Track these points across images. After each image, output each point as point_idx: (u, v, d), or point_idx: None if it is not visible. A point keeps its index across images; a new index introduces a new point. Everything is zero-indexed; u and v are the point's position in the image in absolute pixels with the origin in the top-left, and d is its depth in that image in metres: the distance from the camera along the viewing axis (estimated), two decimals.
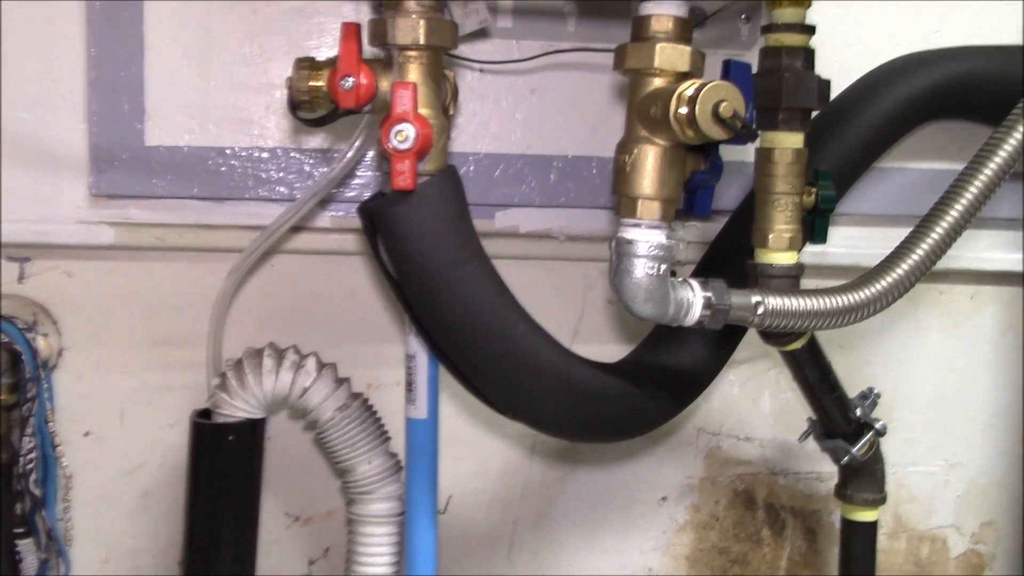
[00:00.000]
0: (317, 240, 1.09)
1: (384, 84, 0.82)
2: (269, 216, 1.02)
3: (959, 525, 1.31)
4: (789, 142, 0.88)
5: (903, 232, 0.90)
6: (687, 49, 0.79)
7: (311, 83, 0.82)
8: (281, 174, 1.06)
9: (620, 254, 0.80)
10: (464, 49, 1.04)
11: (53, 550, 1.08)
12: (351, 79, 0.80)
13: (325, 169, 1.05)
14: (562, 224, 1.11)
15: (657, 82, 0.79)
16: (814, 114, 0.91)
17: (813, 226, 0.92)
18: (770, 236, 0.89)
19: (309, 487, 1.16)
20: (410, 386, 1.00)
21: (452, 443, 1.10)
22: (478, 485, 1.20)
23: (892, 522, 1.29)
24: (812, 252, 0.92)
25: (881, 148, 1.03)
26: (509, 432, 1.19)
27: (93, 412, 1.11)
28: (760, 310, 0.83)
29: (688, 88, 0.75)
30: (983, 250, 1.20)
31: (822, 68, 0.89)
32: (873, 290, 0.88)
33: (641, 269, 0.79)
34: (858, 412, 1.07)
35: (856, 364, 1.23)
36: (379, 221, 0.83)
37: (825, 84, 0.89)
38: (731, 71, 0.81)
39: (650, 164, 0.79)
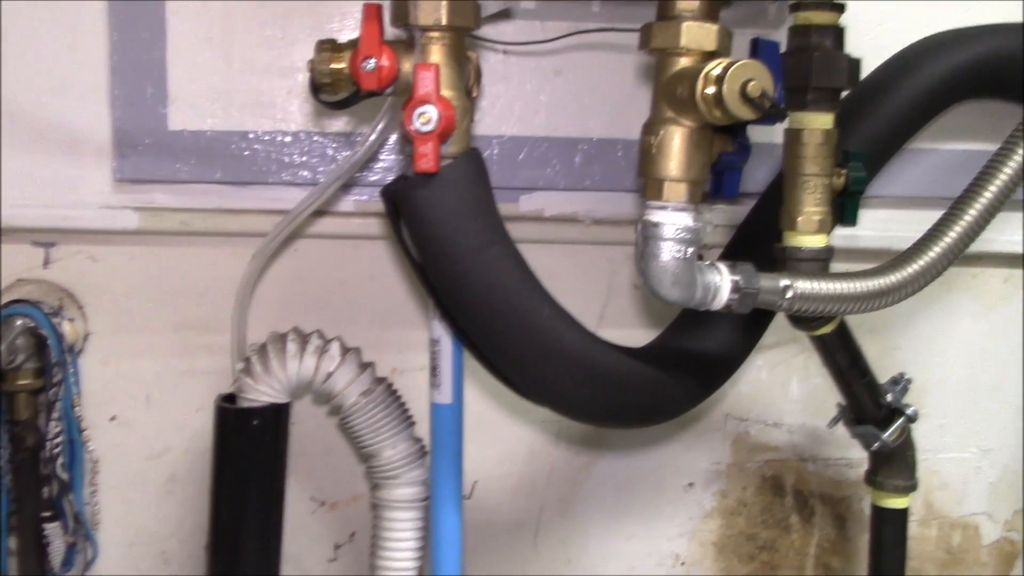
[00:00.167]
0: (340, 224, 1.09)
1: (406, 66, 0.81)
2: (292, 200, 1.02)
3: (992, 512, 1.29)
4: (818, 123, 0.86)
5: (935, 215, 0.89)
6: (714, 28, 0.78)
7: (333, 65, 0.81)
8: (304, 158, 1.06)
9: (646, 237, 0.79)
10: (487, 31, 1.03)
11: (80, 534, 1.09)
12: (373, 61, 0.79)
13: (348, 153, 1.05)
14: (587, 207, 1.10)
15: (683, 62, 0.78)
16: (844, 94, 0.89)
17: (843, 208, 0.91)
18: (799, 219, 0.87)
19: (334, 472, 1.16)
20: (435, 371, 0.99)
21: (477, 428, 1.09)
22: (503, 470, 1.19)
23: (923, 509, 1.27)
24: (842, 235, 0.91)
25: (913, 128, 1.01)
26: (534, 417, 1.18)
27: (119, 397, 1.11)
28: (789, 294, 0.82)
29: (715, 67, 0.74)
30: (1017, 233, 1.17)
31: (852, 47, 0.87)
32: (904, 274, 0.87)
33: (668, 252, 0.78)
34: (889, 398, 1.05)
35: (886, 349, 1.21)
36: (402, 204, 0.82)
37: (855, 63, 0.87)
38: (759, 50, 0.79)
39: (676, 145, 0.78)
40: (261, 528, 1.04)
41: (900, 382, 1.07)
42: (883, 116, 0.98)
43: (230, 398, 1.03)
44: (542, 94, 1.08)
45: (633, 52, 1.01)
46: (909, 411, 1.05)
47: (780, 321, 0.98)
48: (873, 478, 1.09)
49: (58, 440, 1.05)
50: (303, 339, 1.02)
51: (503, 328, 0.84)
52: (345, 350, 1.03)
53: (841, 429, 1.09)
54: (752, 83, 0.72)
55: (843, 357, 1.00)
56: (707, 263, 0.81)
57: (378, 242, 1.11)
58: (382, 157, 1.07)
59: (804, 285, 0.82)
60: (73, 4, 1.01)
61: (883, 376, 1.06)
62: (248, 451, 1.03)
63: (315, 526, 1.17)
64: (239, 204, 1.06)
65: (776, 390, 1.23)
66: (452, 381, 0.99)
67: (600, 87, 1.08)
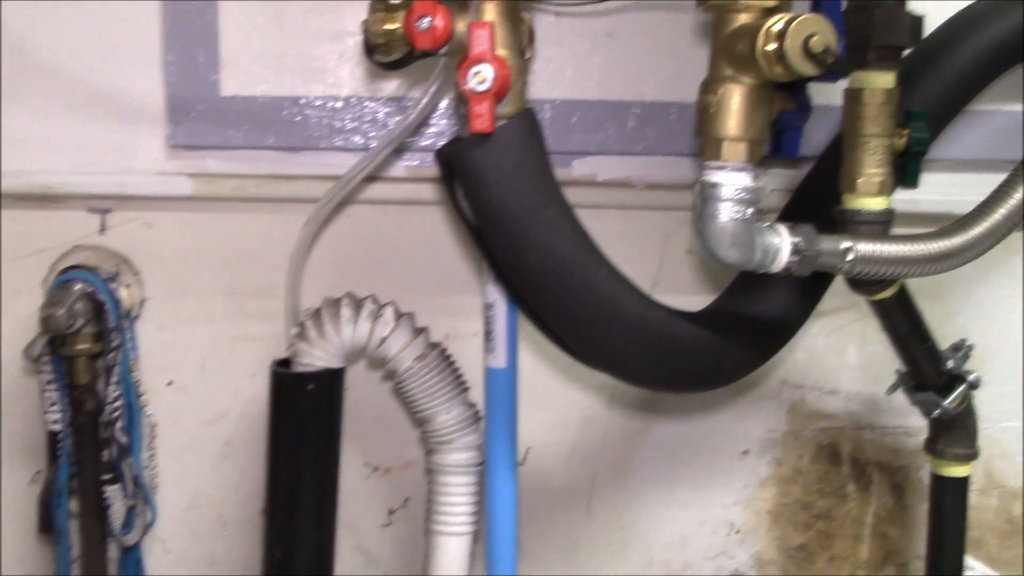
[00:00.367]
0: (392, 190, 1.08)
1: (460, 25, 0.80)
2: (344, 166, 1.02)
3: None
4: (879, 82, 0.84)
5: (998, 178, 0.87)
6: None
7: (386, 26, 0.81)
8: (355, 123, 1.05)
9: (704, 198, 0.78)
10: None
11: (140, 496, 1.10)
12: (427, 19, 0.79)
13: (399, 118, 1.04)
14: (641, 172, 1.09)
15: (743, 17, 0.77)
16: (906, 52, 0.87)
17: (904, 170, 0.89)
18: (859, 181, 0.85)
19: (388, 437, 1.17)
20: (489, 335, 0.99)
21: (530, 394, 1.09)
22: (557, 437, 1.19)
23: (983, 479, 1.25)
24: (902, 199, 0.89)
25: (976, 88, 0.98)
26: (588, 383, 1.18)
27: (175, 362, 1.13)
28: (850, 256, 0.80)
29: (777, 23, 0.72)
30: None
31: (915, 4, 0.85)
32: (968, 236, 0.85)
33: (726, 213, 0.77)
34: (950, 364, 1.03)
35: (946, 315, 1.19)
36: (457, 166, 0.81)
37: (918, 20, 0.85)
38: (821, 4, 0.78)
39: (735, 104, 0.77)
40: (317, 492, 1.05)
41: (961, 348, 1.05)
42: (946, 75, 0.96)
43: (285, 363, 1.04)
44: (595, 57, 1.06)
45: (687, 12, 0.99)
46: (971, 377, 1.03)
47: (836, 287, 0.96)
48: (933, 446, 1.08)
49: (117, 404, 1.07)
50: (357, 304, 1.03)
51: (559, 290, 0.83)
52: (399, 315, 1.03)
53: (899, 396, 1.08)
54: (815, 38, 0.71)
55: (903, 322, 0.98)
56: (766, 224, 0.79)
57: (430, 207, 1.11)
58: (433, 122, 1.06)
59: (865, 247, 0.81)
60: None
61: (943, 343, 1.04)
62: (303, 415, 1.03)
63: (369, 491, 1.18)
64: (291, 170, 1.06)
65: (833, 357, 1.21)
66: (506, 345, 0.99)
67: (654, 49, 1.06)
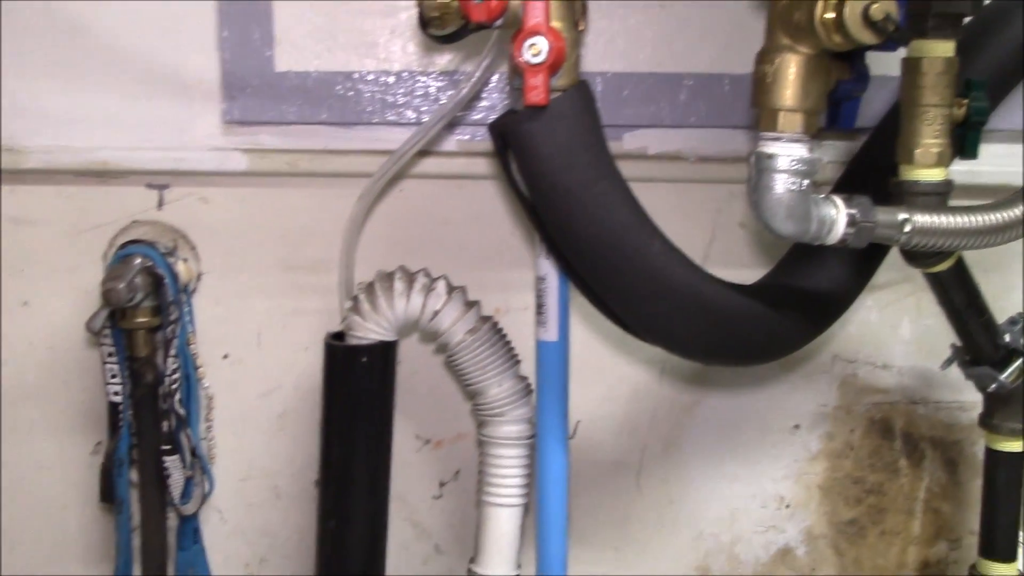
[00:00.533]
0: (444, 164, 1.09)
1: None
2: (396, 140, 1.02)
3: None
4: (939, 50, 0.83)
5: None
6: None
7: None
8: (407, 98, 1.06)
9: (760, 169, 0.77)
10: None
11: (197, 467, 1.12)
12: None
13: (451, 92, 1.04)
14: (692, 145, 1.08)
15: None
16: (966, 20, 0.85)
17: (963, 140, 0.87)
18: (916, 151, 0.84)
19: (439, 410, 1.18)
20: (540, 308, 0.99)
21: (580, 368, 1.09)
22: (606, 410, 1.19)
23: None
24: (960, 171, 0.87)
25: None
26: (638, 356, 1.18)
27: (231, 335, 1.14)
28: (907, 228, 0.79)
29: None
30: None
31: None
32: None
33: (782, 184, 0.77)
34: (1007, 338, 1.02)
35: (1003, 288, 1.17)
36: (511, 138, 0.82)
37: None
38: None
39: (792, 73, 0.76)
40: (370, 464, 1.06)
41: (1019, 322, 1.03)
42: (1006, 44, 0.94)
43: (338, 336, 1.05)
44: (647, 29, 1.06)
45: None
46: None
47: (890, 261, 0.95)
48: (988, 421, 1.06)
49: (175, 376, 1.09)
50: (410, 278, 1.03)
51: (613, 263, 0.83)
52: (451, 288, 1.04)
53: (953, 371, 1.06)
54: (875, 6, 0.70)
55: (959, 295, 0.97)
56: (822, 196, 0.79)
57: (482, 182, 1.11)
58: (485, 96, 1.06)
59: (923, 219, 0.80)
60: None
61: (1000, 316, 1.02)
62: (357, 388, 1.04)
63: (420, 464, 1.19)
64: (345, 145, 1.07)
65: (886, 331, 1.20)
66: (558, 318, 0.99)
67: (706, 21, 1.05)
